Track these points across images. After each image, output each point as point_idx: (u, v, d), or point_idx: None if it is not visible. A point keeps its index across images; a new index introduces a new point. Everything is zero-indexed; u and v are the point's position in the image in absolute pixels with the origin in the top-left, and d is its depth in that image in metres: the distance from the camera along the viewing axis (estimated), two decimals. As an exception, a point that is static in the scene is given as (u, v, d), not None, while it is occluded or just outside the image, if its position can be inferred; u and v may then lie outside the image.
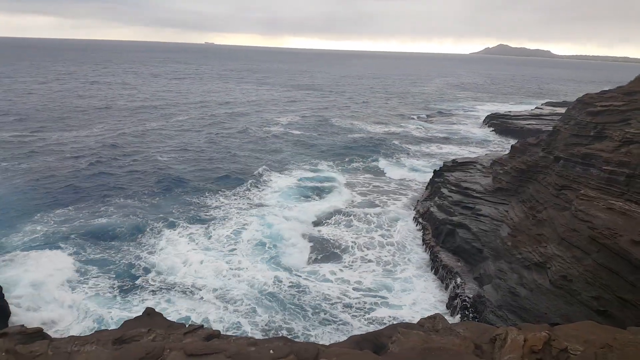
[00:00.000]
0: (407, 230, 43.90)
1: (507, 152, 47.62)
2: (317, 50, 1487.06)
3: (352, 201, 51.10)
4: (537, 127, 77.53)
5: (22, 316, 27.90)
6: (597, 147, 30.07)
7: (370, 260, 37.80)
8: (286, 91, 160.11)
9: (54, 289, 30.75)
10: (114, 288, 32.02)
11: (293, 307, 30.77)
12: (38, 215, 42.12)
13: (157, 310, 28.26)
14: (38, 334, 14.17)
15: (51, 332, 22.56)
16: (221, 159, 64.96)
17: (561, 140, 34.95)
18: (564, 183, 31.08)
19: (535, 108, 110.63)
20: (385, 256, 38.70)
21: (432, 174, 51.72)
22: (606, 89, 38.29)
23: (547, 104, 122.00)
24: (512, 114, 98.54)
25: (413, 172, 62.70)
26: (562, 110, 65.59)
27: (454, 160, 51.99)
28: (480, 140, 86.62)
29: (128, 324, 16.80)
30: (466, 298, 30.42)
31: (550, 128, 42.17)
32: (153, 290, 32.01)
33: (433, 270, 36.24)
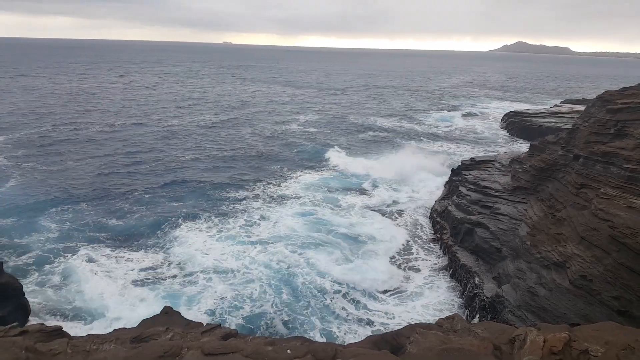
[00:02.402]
0: (422, 228, 43.83)
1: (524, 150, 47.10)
2: (333, 48, 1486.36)
3: (370, 196, 51.49)
4: (556, 125, 76.42)
5: (42, 314, 28.43)
6: (617, 145, 29.50)
7: (389, 257, 37.84)
8: (303, 89, 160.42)
9: (73, 287, 31.22)
10: (135, 282, 32.40)
11: (305, 300, 30.88)
12: (58, 212, 42.80)
13: (177, 299, 28.95)
14: (57, 332, 14.39)
15: (71, 330, 22.90)
16: (241, 156, 65.77)
17: (581, 139, 34.39)
18: (583, 181, 30.57)
19: (554, 106, 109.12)
20: (403, 254, 38.61)
21: (450, 172, 51.34)
22: (626, 86, 37.58)
23: (566, 101, 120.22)
24: (530, 111, 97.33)
25: (427, 170, 62.27)
26: (582, 108, 64.56)
27: (472, 159, 51.54)
28: (494, 139, 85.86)
29: (146, 322, 17.01)
30: (484, 298, 30.12)
31: (569, 126, 41.58)
32: (174, 282, 32.56)
33: (451, 270, 36.01)
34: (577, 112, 70.87)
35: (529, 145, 46.76)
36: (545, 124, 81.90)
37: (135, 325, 16.93)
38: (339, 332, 28.45)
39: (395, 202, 50.12)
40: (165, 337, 14.20)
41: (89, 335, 14.91)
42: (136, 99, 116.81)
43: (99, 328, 26.72)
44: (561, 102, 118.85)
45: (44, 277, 32.36)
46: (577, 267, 24.62)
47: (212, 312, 29.26)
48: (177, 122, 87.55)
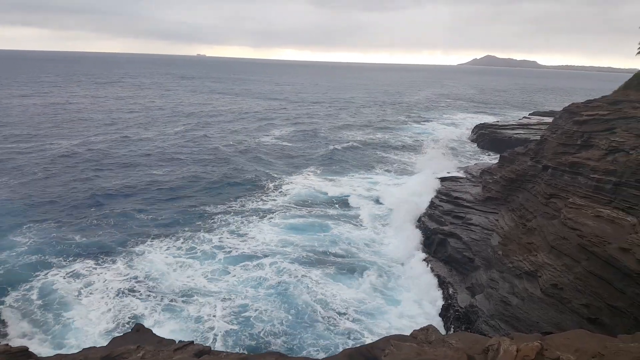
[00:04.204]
0: (401, 239, 43.90)
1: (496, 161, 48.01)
2: (308, 62, 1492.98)
3: (348, 209, 51.32)
4: (524, 137, 78.13)
5: (7, 334, 27.42)
6: (584, 156, 30.38)
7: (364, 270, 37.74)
8: (277, 102, 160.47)
9: (41, 305, 30.25)
10: (105, 299, 31.42)
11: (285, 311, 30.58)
12: (23, 229, 41.17)
13: (151, 321, 28.26)
14: (23, 353, 13.91)
15: (37, 350, 22.18)
16: (215, 168, 65.05)
17: (549, 149, 35.28)
18: (552, 192, 31.30)
19: (523, 118, 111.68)
20: (383, 270, 38.60)
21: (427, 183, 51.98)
22: (591, 98, 38.84)
23: (534, 113, 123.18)
24: (499, 123, 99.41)
25: (401, 182, 62.80)
26: (549, 119, 66.26)
27: (443, 170, 52.41)
28: (464, 151, 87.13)
29: (116, 340, 16.59)
30: (459, 308, 30.36)
31: (538, 137, 42.61)
32: (146, 301, 31.51)
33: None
34: (545, 123, 72.65)
35: (498, 156, 47.70)
36: (515, 135, 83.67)
37: (105, 344, 16.47)
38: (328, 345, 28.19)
39: (372, 214, 50.00)
40: (137, 356, 13.87)
41: (57, 356, 14.47)
42: (106, 111, 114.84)
43: (68, 347, 25.94)
44: (529, 114, 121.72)
45: (9, 295, 31.21)
46: (548, 276, 25.05)
47: (186, 330, 28.62)
48: (149, 134, 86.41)
